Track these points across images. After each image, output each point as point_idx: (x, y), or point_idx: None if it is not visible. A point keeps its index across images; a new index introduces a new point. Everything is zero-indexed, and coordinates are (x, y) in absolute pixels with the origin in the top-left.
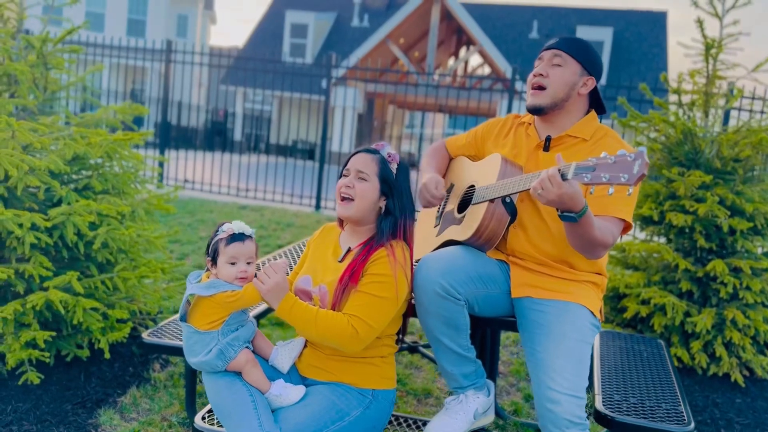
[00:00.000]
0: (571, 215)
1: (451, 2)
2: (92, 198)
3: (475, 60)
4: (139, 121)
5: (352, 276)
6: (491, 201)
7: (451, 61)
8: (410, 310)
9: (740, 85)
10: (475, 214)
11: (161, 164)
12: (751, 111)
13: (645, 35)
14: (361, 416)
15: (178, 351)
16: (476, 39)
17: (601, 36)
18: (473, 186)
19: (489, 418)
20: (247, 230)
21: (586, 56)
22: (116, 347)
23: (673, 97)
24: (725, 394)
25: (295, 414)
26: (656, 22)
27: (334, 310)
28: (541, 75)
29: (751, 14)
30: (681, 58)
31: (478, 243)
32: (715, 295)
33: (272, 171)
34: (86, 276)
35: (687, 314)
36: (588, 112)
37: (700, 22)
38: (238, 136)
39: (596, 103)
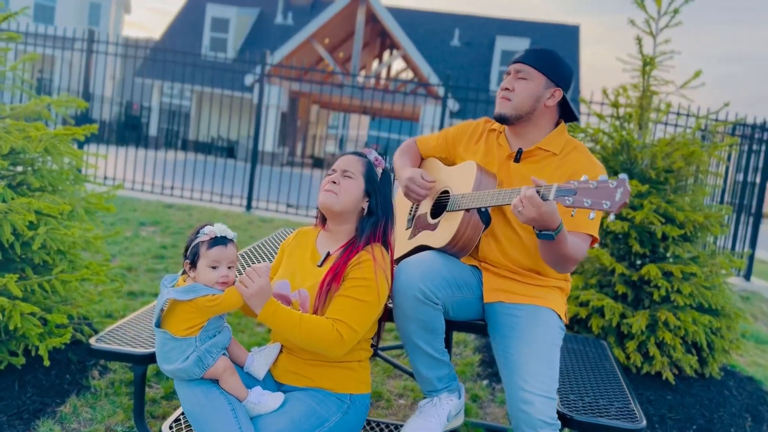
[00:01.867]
0: (548, 233)
1: (376, 5)
2: (28, 195)
3: (398, 64)
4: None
5: (334, 278)
6: (467, 210)
7: (375, 64)
8: (386, 315)
9: (670, 101)
10: (451, 221)
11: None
12: (676, 126)
13: (559, 47)
14: (341, 421)
15: (128, 358)
16: (400, 43)
17: (519, 46)
18: (447, 192)
19: (460, 420)
20: (230, 234)
21: (551, 68)
22: (51, 354)
23: (604, 110)
24: (657, 391)
25: (274, 421)
26: (570, 34)
27: (315, 314)
28: (507, 89)
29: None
30: (589, 70)
31: (453, 250)
32: (648, 297)
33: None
34: (22, 279)
35: (623, 316)
36: (558, 122)
37: (638, 40)
38: (153, 131)
39: (566, 113)
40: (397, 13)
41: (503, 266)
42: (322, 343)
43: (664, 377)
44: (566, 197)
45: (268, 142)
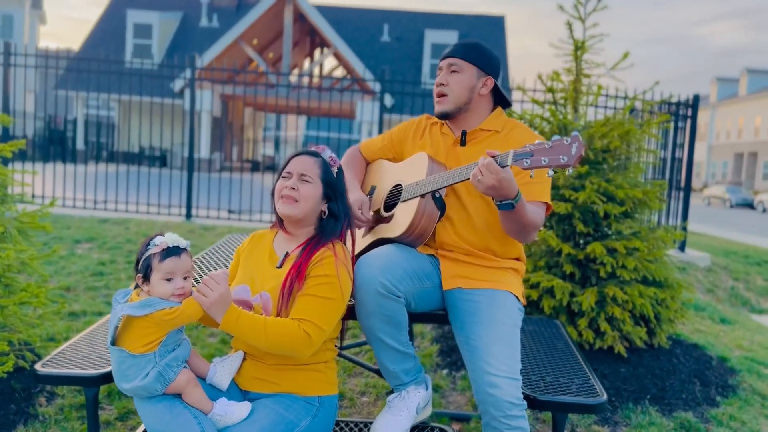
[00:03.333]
0: (509, 202)
1: (303, 4)
2: None
3: (330, 62)
4: None
5: (297, 276)
6: (422, 197)
7: (306, 63)
8: (348, 313)
9: (601, 83)
10: (407, 210)
11: None
12: (606, 107)
13: (487, 38)
14: (311, 425)
15: (80, 381)
16: (330, 41)
17: (448, 39)
18: (399, 185)
19: (428, 411)
20: (182, 243)
21: (480, 59)
22: None
23: (537, 96)
24: (611, 365)
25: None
26: (496, 25)
27: (279, 316)
28: (442, 84)
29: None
30: (516, 58)
31: (410, 239)
32: (594, 275)
33: (124, 180)
34: None
35: (572, 294)
36: (494, 108)
37: (569, 24)
38: (80, 144)
39: (500, 99)
40: (325, 11)
41: (459, 249)
42: (289, 344)
43: (616, 351)
44: (524, 159)
45: (203, 148)
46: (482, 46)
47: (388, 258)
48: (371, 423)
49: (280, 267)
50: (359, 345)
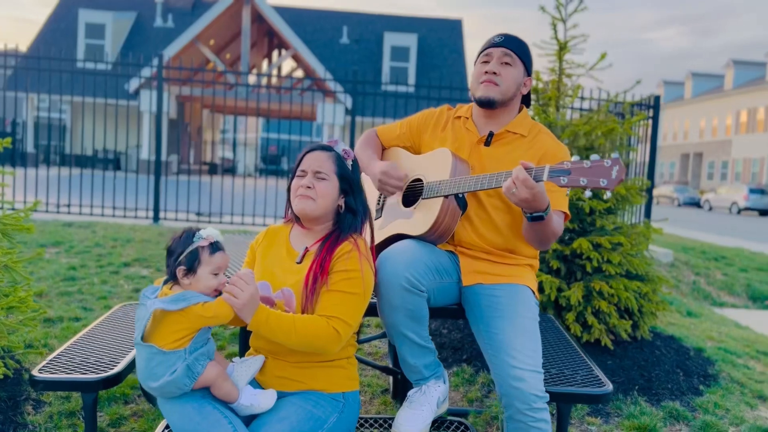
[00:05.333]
0: (540, 215)
1: (261, 5)
2: None
3: (289, 64)
4: None
5: (321, 271)
6: (446, 197)
7: (265, 64)
8: (367, 310)
9: (582, 83)
10: (429, 208)
11: None
12: (581, 109)
13: (445, 41)
14: (338, 421)
15: (82, 386)
16: (289, 42)
17: (408, 42)
18: (420, 179)
19: (446, 405)
20: (221, 238)
21: (529, 58)
22: None
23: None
24: (598, 357)
25: (274, 430)
26: (453, 29)
27: (304, 312)
28: (494, 73)
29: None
30: (473, 62)
31: (432, 237)
32: (580, 270)
33: (79, 182)
34: None
35: (559, 290)
36: (520, 108)
37: (553, 25)
38: (30, 147)
39: (525, 100)
40: (284, 12)
41: (478, 248)
42: (319, 341)
43: (603, 344)
44: (561, 177)
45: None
46: (527, 45)
47: (411, 253)
48: (392, 419)
49: (300, 262)
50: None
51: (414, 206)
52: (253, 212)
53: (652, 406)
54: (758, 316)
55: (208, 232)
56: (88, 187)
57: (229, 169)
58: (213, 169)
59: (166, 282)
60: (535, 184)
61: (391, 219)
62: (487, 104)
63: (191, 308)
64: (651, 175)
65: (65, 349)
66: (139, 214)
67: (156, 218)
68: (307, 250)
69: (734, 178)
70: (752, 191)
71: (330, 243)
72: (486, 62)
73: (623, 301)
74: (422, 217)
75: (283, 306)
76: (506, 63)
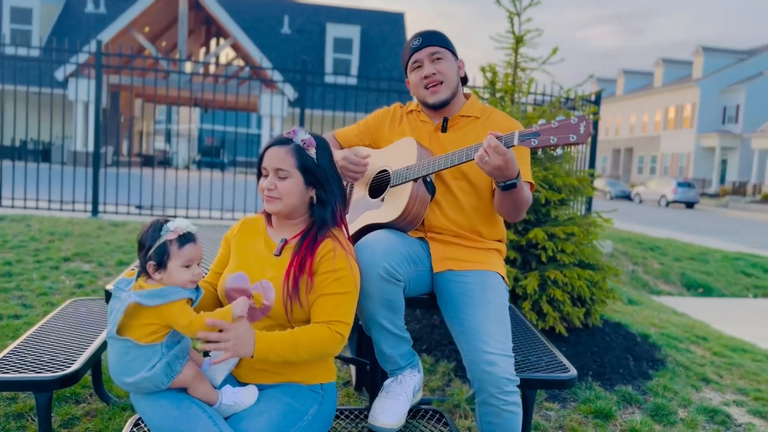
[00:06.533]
0: (512, 182)
1: None
2: None
3: (228, 53)
4: None
5: (301, 271)
6: (414, 181)
7: (202, 53)
8: None
9: (535, 77)
10: (399, 195)
11: None
12: (534, 103)
13: (387, 34)
14: (318, 413)
15: (35, 385)
16: (229, 31)
17: (350, 34)
18: (385, 170)
19: (421, 394)
20: (193, 228)
21: (449, 43)
22: None
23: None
24: (553, 344)
25: (254, 424)
26: (396, 22)
27: (285, 311)
28: (434, 73)
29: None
30: None
31: (402, 224)
32: (535, 259)
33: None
34: None
35: (515, 279)
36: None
37: (510, 18)
38: None
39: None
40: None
41: (448, 231)
42: (326, 348)
43: (557, 331)
44: (531, 139)
45: (90, 141)
46: (441, 32)
47: (387, 242)
48: (366, 410)
49: (278, 255)
50: None
51: (382, 196)
52: (198, 205)
53: (606, 391)
54: (693, 303)
55: (177, 224)
56: (19, 179)
57: (165, 161)
58: (148, 161)
59: (139, 275)
60: (506, 150)
61: (359, 212)
62: (442, 106)
63: (167, 307)
64: (592, 167)
65: (15, 348)
66: (77, 207)
67: (95, 211)
68: (286, 242)
69: (663, 172)
70: (680, 184)
71: (309, 242)
72: (419, 68)
73: (576, 289)
74: (392, 205)
75: (261, 299)
76: (438, 59)
